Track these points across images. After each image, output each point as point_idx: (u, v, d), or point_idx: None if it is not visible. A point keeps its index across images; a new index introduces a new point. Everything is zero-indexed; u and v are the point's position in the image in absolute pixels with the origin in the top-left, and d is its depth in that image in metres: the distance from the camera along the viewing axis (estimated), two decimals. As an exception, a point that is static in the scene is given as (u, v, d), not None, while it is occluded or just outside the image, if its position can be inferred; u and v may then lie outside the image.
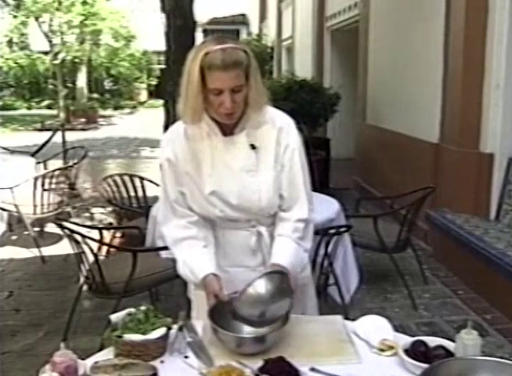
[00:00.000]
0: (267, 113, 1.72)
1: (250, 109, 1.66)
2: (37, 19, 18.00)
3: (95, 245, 3.14)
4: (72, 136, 11.52)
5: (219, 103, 1.59)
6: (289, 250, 1.71)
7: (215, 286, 1.65)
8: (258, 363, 1.43)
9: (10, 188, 4.64)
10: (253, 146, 1.71)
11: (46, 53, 20.50)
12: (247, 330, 1.58)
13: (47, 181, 4.84)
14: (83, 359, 1.46)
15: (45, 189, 4.81)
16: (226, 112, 1.61)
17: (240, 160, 1.71)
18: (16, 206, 4.73)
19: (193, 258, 1.72)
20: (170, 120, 5.42)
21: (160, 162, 1.76)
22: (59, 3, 17.83)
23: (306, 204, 1.76)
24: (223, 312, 1.57)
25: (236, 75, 1.56)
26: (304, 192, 1.76)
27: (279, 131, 1.72)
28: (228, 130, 1.71)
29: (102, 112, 21.61)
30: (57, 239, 5.13)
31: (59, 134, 7.86)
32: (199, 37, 6.54)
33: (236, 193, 1.71)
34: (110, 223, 5.69)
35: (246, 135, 1.71)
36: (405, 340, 1.55)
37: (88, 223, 5.45)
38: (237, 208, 1.72)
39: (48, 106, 23.13)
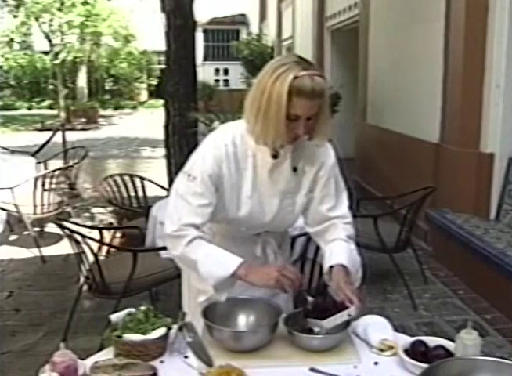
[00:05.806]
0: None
1: (316, 137, 1.61)
2: (37, 19, 17.98)
3: (95, 245, 3.13)
4: (72, 136, 11.51)
5: (291, 129, 1.55)
6: (344, 251, 1.69)
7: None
8: (259, 362, 1.43)
9: (10, 188, 4.64)
10: (294, 169, 1.70)
11: (47, 53, 20.51)
12: (242, 326, 1.60)
13: (47, 181, 4.85)
14: (83, 359, 1.46)
15: (45, 189, 4.81)
16: (295, 138, 1.58)
17: (283, 183, 1.70)
18: (16, 206, 4.73)
19: (217, 251, 1.64)
20: (170, 120, 5.42)
21: (195, 174, 1.63)
22: (62, 3, 17.83)
23: (345, 203, 1.83)
24: (216, 313, 1.58)
25: (317, 104, 1.53)
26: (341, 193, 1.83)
27: (333, 165, 1.75)
28: (275, 152, 1.67)
29: (102, 112, 21.60)
30: (57, 239, 5.13)
31: (59, 134, 7.85)
32: (199, 37, 6.53)
33: (272, 214, 1.71)
34: (110, 223, 5.69)
35: (291, 158, 1.68)
36: (405, 340, 1.55)
37: (89, 223, 5.44)
38: (263, 226, 1.73)
39: (49, 106, 23.13)
